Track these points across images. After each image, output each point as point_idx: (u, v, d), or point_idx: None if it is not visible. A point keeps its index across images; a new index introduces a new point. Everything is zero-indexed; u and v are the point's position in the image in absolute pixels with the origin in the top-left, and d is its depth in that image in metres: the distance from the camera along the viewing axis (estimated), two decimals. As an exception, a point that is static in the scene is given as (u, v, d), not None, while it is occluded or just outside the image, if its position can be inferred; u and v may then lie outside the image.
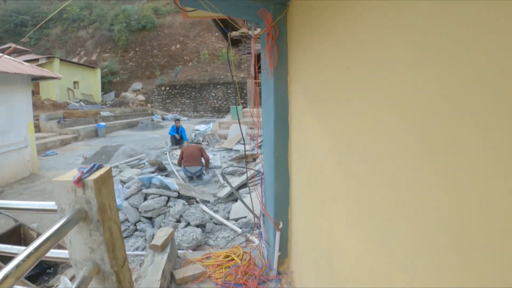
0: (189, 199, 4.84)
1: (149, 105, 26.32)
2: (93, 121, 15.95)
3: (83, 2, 34.99)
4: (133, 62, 30.96)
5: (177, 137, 10.77)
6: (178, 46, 31.42)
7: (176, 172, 7.32)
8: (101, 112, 18.33)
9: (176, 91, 26.17)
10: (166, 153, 9.81)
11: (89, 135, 14.29)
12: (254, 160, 7.10)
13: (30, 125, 7.73)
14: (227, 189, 5.42)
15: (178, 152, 9.78)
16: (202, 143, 7.05)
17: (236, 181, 6.05)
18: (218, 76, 27.23)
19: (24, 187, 6.87)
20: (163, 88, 26.35)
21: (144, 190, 4.44)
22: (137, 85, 28.24)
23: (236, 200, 5.16)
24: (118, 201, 4.57)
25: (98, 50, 31.97)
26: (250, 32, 11.61)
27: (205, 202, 5.07)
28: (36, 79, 8.18)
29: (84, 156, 9.69)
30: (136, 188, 4.50)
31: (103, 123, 15.18)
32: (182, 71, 28.21)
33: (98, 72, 26.17)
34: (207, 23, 32.96)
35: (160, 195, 4.39)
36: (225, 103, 26.08)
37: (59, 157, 10.16)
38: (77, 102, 21.48)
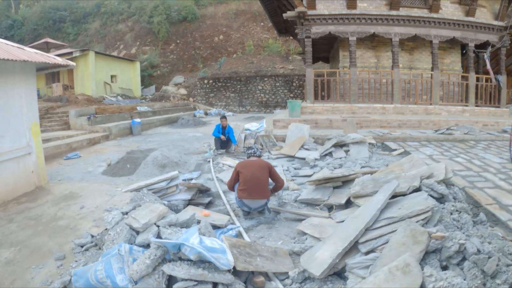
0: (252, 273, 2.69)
1: (191, 99, 24.66)
2: (128, 117, 14.32)
3: None
4: (174, 55, 29.25)
5: (223, 139, 8.67)
6: (221, 37, 29.44)
7: (224, 198, 5.14)
8: (137, 107, 16.71)
9: (220, 84, 24.43)
10: (209, 161, 7.72)
11: (123, 133, 12.62)
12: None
13: (34, 126, 5.90)
14: (319, 246, 3.24)
15: (225, 161, 7.58)
16: (255, 146, 4.79)
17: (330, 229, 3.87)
18: (265, 68, 25.20)
19: (20, 209, 5.02)
20: (206, 81, 24.66)
21: (168, 270, 2.31)
22: (179, 78, 26.64)
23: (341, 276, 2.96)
24: (121, 282, 2.50)
25: (138, 43, 30.58)
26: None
27: (280, 275, 2.92)
28: (45, 68, 6.38)
29: (108, 162, 7.85)
30: (152, 262, 2.38)
31: (138, 120, 13.47)
32: (226, 63, 26.33)
33: (137, 65, 24.77)
34: (252, 13, 30.88)
35: (198, 283, 2.24)
36: (273, 97, 24.09)
37: (81, 161, 8.39)
38: (114, 97, 20.08)
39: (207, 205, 4.95)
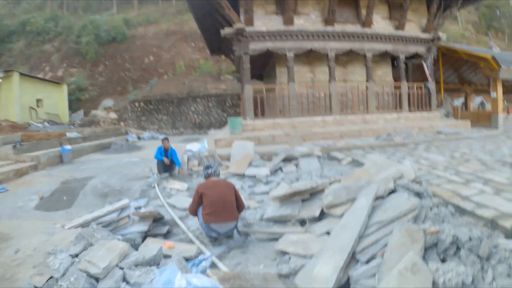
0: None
1: (122, 123, 23.19)
2: (57, 144, 12.89)
3: (48, 14, 31.78)
4: (103, 77, 27.64)
5: (167, 162, 7.97)
6: (151, 58, 28.57)
7: (182, 225, 4.49)
8: (67, 133, 15.21)
9: (151, 106, 23.35)
10: (154, 186, 6.97)
11: (52, 161, 11.22)
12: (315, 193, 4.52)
13: None
14: (313, 263, 2.88)
15: (172, 185, 6.94)
16: (214, 164, 4.22)
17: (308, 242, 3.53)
18: (197, 89, 24.73)
19: None
20: (137, 104, 23.40)
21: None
22: (108, 102, 25.09)
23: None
24: None
25: (65, 65, 28.52)
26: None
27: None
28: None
29: (41, 195, 6.74)
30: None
31: (68, 147, 12.13)
32: (158, 84, 25.46)
33: (65, 88, 22.84)
34: (182, 33, 30.56)
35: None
36: (206, 117, 23.66)
37: (9, 195, 7.15)
38: (40, 123, 18.16)
39: (165, 235, 4.32)
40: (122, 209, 4.32)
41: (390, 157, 8.33)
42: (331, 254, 2.87)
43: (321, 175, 6.88)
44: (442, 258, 2.80)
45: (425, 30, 14.03)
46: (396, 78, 15.01)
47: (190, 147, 9.97)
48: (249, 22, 11.42)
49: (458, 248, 2.84)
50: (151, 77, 26.85)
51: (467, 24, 40.23)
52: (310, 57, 13.34)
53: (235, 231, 4.02)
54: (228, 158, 9.08)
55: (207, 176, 4.30)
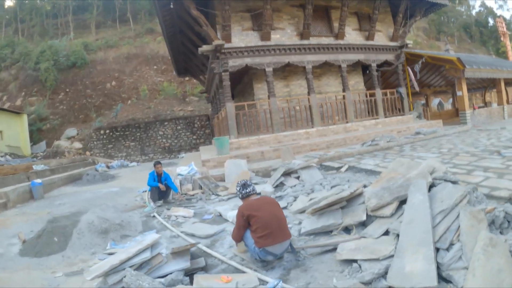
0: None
1: (88, 153, 22.13)
2: (24, 178, 11.83)
3: (3, 40, 30.03)
4: (64, 105, 26.39)
5: (163, 188, 7.41)
6: (113, 83, 27.78)
7: (214, 253, 4.08)
8: (33, 166, 14.16)
9: (118, 133, 22.57)
10: (153, 215, 6.43)
11: (22, 198, 10.17)
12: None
13: None
14: (398, 262, 2.79)
15: (176, 212, 6.35)
16: (249, 182, 3.86)
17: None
18: (163, 112, 24.28)
19: None
20: (102, 131, 22.54)
21: None
22: (72, 131, 23.91)
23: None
24: None
25: (23, 93, 27.04)
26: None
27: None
28: None
29: (23, 238, 5.60)
30: None
31: (38, 181, 11.11)
32: (122, 110, 24.77)
33: (25, 118, 21.50)
34: (144, 56, 30.04)
35: None
36: (175, 141, 23.16)
37: None
38: (1, 156, 16.88)
39: (203, 268, 3.78)
40: (152, 245, 3.69)
41: (384, 160, 8.54)
42: (414, 250, 2.88)
43: (330, 184, 6.81)
44: (500, 232, 3.15)
45: (392, 39, 14.78)
46: (367, 86, 15.63)
47: (179, 171, 9.54)
48: (227, 38, 11.33)
49: (508, 222, 3.25)
50: (115, 102, 26.05)
51: (418, 31, 42.97)
52: (285, 71, 13.52)
53: (290, 250, 3.71)
54: (221, 179, 8.80)
55: (246, 196, 3.90)
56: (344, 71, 13.33)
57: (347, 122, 13.24)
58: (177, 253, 3.70)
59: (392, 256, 3.09)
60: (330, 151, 10.70)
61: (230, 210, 5.76)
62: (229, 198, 7.18)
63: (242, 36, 11.82)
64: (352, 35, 13.83)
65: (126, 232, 5.51)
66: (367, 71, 15.29)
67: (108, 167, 18.90)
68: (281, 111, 12.21)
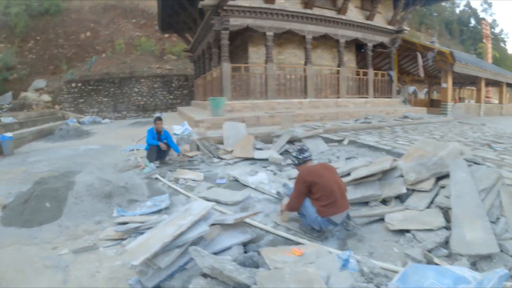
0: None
1: (57, 106, 20.73)
2: (-10, 132, 10.80)
3: None
4: (34, 54, 24.18)
5: (164, 148, 6.83)
6: (88, 34, 25.80)
7: (256, 223, 3.71)
8: (1, 119, 13.06)
9: (90, 87, 21.23)
10: (155, 177, 5.87)
11: (-11, 154, 9.33)
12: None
13: None
14: (457, 232, 2.90)
15: (183, 175, 5.84)
16: (306, 146, 3.57)
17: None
18: (140, 69, 23.04)
19: None
20: (73, 84, 21.06)
21: None
22: (40, 82, 22.17)
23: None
24: None
25: None
26: None
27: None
28: None
29: (2, 204, 4.58)
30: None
31: (9, 134, 10.08)
32: (96, 63, 23.20)
33: (-10, 66, 19.69)
34: (122, 8, 28.19)
35: None
36: (151, 99, 22.21)
37: None
38: (-36, 107, 15.45)
39: (252, 241, 3.34)
40: (205, 216, 3.13)
41: (383, 138, 8.65)
42: (471, 221, 3.07)
43: (342, 156, 6.74)
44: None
45: (390, 22, 14.79)
46: (358, 66, 15.62)
47: (175, 130, 9.08)
48: None
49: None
50: (88, 55, 24.38)
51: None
52: (281, 38, 13.01)
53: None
54: (219, 141, 8.45)
55: (303, 161, 3.57)
56: (342, 46, 13.25)
57: (338, 97, 13.24)
58: (231, 224, 3.30)
59: (444, 227, 3.27)
60: (324, 123, 10.66)
61: (248, 175, 5.55)
62: (235, 162, 6.91)
63: None
64: (353, 12, 13.65)
65: (133, 197, 4.84)
66: (361, 50, 15.25)
67: (79, 122, 17.88)
68: (278, 78, 11.93)
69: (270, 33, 11.53)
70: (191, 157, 7.33)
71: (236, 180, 5.51)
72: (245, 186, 5.23)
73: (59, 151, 9.61)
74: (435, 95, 24.69)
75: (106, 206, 4.42)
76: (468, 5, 56.14)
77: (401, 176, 4.24)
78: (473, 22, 43.14)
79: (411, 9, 15.29)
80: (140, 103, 21.94)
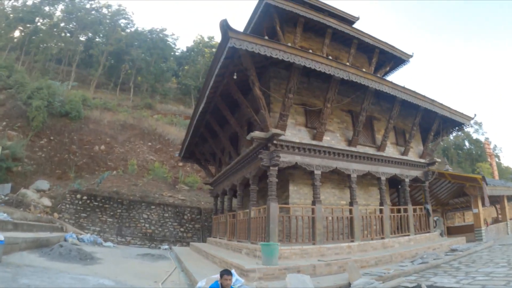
0: None
1: (56, 214, 18.92)
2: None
3: (4, 61, 27.35)
4: (44, 153, 23.46)
5: None
6: (102, 147, 25.63)
7: None
8: (-7, 212, 11.41)
9: (96, 203, 19.80)
10: None
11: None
12: None
13: None
14: None
15: None
16: None
17: None
18: (151, 194, 21.78)
19: None
20: (79, 196, 19.68)
21: None
22: (44, 184, 20.87)
23: None
24: None
25: (4, 123, 23.91)
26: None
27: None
28: None
29: None
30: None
31: (0, 237, 8.45)
32: (106, 179, 22.18)
33: (-2, 150, 18.61)
34: (140, 129, 28.54)
35: None
36: (160, 229, 20.53)
37: None
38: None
39: None
40: None
41: (456, 277, 8.08)
42: None
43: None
44: None
45: (421, 156, 14.85)
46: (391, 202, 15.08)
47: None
48: (282, 129, 10.30)
49: None
50: (99, 168, 23.66)
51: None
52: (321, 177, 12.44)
53: None
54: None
55: None
56: (383, 184, 12.78)
57: (383, 238, 12.19)
58: None
59: None
60: (380, 267, 9.60)
61: None
62: None
63: (294, 131, 10.95)
64: (390, 149, 13.61)
65: None
66: (399, 186, 14.97)
67: (78, 239, 16.05)
68: (326, 220, 11.01)
69: (318, 172, 10.96)
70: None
71: None
72: None
73: (60, 279, 7.64)
74: (448, 222, 24.31)
75: None
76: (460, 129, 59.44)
77: None
78: (467, 144, 45.07)
79: (438, 141, 15.65)
80: (148, 231, 20.32)
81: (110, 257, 12.83)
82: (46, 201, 19.68)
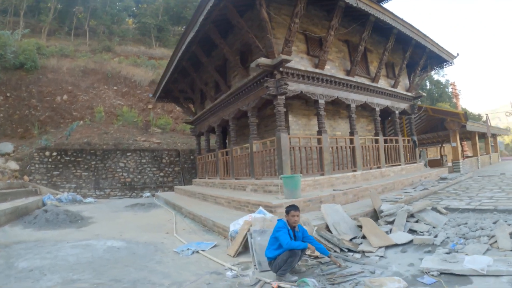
0: None
1: (26, 177, 17.61)
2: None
3: None
4: (2, 112, 21.35)
5: (313, 251, 4.65)
6: (65, 97, 23.60)
7: None
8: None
9: (67, 158, 18.59)
10: None
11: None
12: None
13: None
14: None
15: (372, 284, 3.82)
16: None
17: None
18: (125, 141, 20.73)
19: None
20: (47, 153, 18.31)
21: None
22: (7, 146, 19.16)
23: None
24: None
25: None
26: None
27: None
28: None
29: None
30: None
31: None
32: (74, 130, 20.64)
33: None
34: (103, 73, 26.57)
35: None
36: (139, 176, 19.83)
37: None
38: None
39: None
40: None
41: (464, 201, 8.52)
42: None
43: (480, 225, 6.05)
44: None
45: (408, 89, 15.22)
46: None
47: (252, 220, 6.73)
48: (288, 56, 9.54)
49: None
50: (64, 120, 22.01)
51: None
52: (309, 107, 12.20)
53: None
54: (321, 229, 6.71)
55: None
56: (377, 114, 12.95)
57: (379, 167, 12.58)
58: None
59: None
60: (386, 194, 9.92)
61: (465, 261, 4.18)
62: (378, 256, 5.22)
63: (297, 59, 10.35)
64: (382, 81, 13.65)
65: None
66: (388, 118, 15.41)
67: (57, 200, 14.96)
68: (332, 150, 10.94)
69: (321, 101, 10.67)
70: (317, 256, 5.23)
71: (443, 273, 4.11)
72: (464, 276, 3.94)
73: (61, 251, 6.25)
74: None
75: None
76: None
77: None
78: (428, 84, 46.89)
79: (424, 76, 16.02)
80: (127, 180, 19.52)
81: (99, 213, 11.93)
82: (13, 165, 18.15)
